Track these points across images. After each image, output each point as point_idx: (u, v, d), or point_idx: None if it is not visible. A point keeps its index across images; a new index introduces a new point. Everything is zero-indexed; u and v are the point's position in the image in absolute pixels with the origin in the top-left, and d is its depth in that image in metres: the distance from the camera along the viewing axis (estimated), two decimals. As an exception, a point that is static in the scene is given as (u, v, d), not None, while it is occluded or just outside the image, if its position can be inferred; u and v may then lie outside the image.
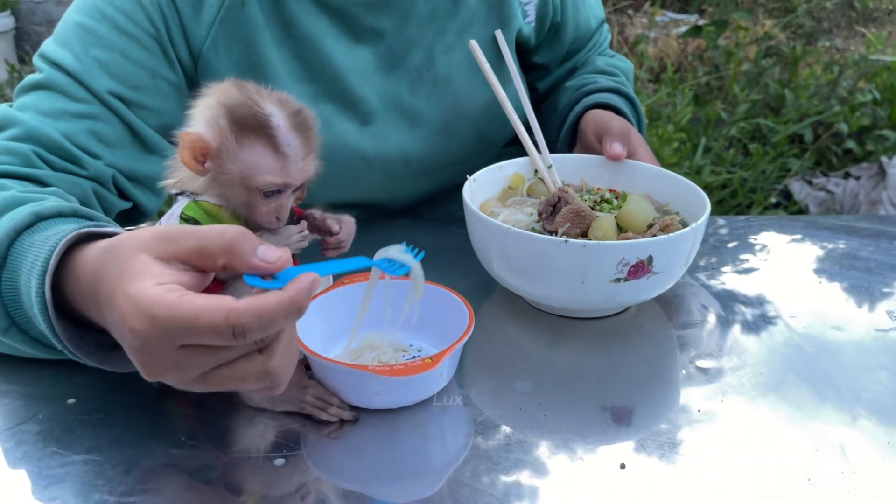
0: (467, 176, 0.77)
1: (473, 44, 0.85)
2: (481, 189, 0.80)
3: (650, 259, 0.65)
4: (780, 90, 3.01)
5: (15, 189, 0.63)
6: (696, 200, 0.75)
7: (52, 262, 0.51)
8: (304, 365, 0.62)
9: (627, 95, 0.95)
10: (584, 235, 0.70)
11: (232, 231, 0.45)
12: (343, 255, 0.67)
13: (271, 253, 0.45)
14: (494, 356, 0.68)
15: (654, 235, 0.70)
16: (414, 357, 0.65)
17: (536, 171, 0.82)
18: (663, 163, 2.54)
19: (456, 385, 0.64)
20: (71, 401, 0.61)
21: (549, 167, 0.82)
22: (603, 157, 0.83)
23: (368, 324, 0.68)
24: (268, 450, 0.56)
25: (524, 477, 0.54)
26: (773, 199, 2.66)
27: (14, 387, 0.63)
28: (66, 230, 0.53)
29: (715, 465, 0.55)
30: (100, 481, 0.53)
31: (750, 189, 2.68)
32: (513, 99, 0.87)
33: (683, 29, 3.51)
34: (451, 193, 0.96)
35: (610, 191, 0.80)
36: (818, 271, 0.84)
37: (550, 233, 0.71)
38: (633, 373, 0.67)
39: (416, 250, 0.57)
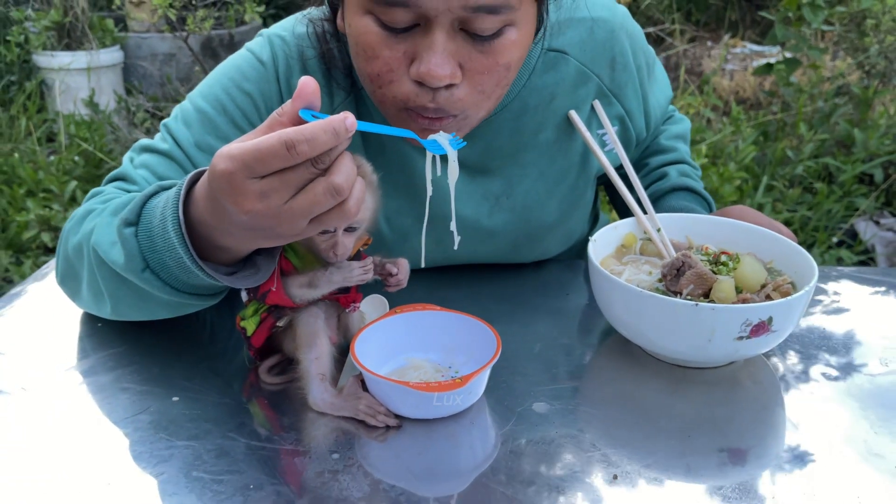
0: (589, 237, 0.86)
1: (573, 114, 0.94)
2: (600, 248, 0.88)
3: (770, 319, 0.73)
4: (850, 129, 3.00)
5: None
6: (799, 260, 0.83)
7: (183, 191, 0.69)
8: (360, 380, 0.75)
9: (697, 192, 1.06)
10: (706, 295, 0.78)
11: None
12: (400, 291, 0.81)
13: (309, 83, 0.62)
14: (620, 403, 0.77)
15: (769, 296, 0.78)
16: (452, 377, 0.78)
17: (646, 231, 0.92)
18: (723, 201, 2.59)
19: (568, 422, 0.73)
20: (175, 398, 0.76)
21: (659, 230, 0.90)
22: (707, 217, 0.92)
23: (415, 348, 0.81)
24: (327, 446, 0.70)
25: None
26: (834, 239, 2.67)
27: (132, 385, 0.78)
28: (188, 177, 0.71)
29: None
30: (197, 462, 0.67)
31: (813, 228, 2.70)
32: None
33: (762, 62, 3.52)
34: None
35: (724, 252, 0.86)
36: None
37: (674, 293, 0.79)
38: (751, 423, 0.74)
39: (459, 139, 0.73)
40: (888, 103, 3.27)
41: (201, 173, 0.69)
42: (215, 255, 0.72)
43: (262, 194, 0.60)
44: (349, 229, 0.72)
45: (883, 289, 1.01)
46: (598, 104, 0.97)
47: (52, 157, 3.09)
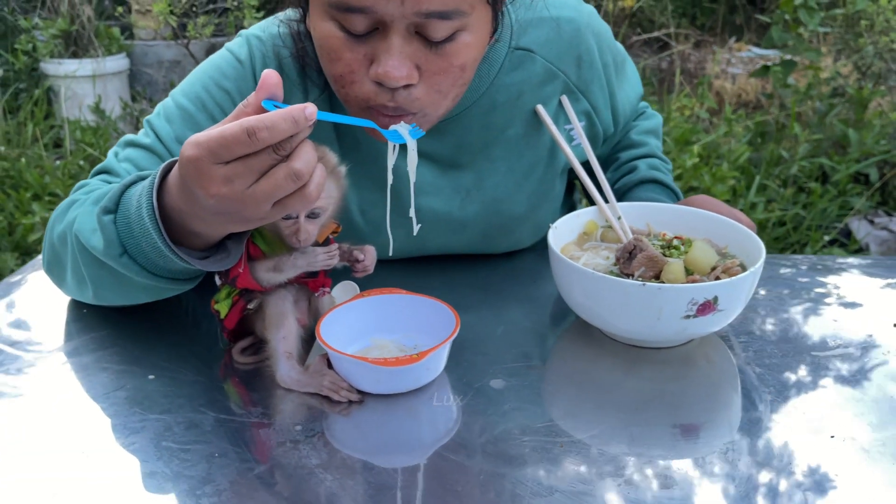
0: (549, 224, 0.90)
1: (540, 108, 0.98)
2: (561, 235, 0.91)
3: (716, 299, 0.77)
4: (845, 129, 3.02)
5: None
6: (751, 245, 0.86)
7: (157, 180, 0.73)
8: (326, 359, 0.79)
9: (665, 184, 1.10)
10: (657, 277, 0.81)
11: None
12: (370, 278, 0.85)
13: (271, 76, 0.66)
14: (574, 379, 0.81)
15: (718, 277, 0.81)
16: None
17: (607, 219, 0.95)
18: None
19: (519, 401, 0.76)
20: (150, 377, 0.80)
21: (619, 218, 0.94)
22: (667, 206, 0.96)
23: (380, 329, 0.85)
24: (291, 419, 0.74)
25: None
26: (827, 238, 2.69)
27: (110, 365, 0.83)
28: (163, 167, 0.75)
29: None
30: (167, 433, 0.71)
31: (807, 227, 2.71)
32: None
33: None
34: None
35: (677, 237, 0.89)
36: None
37: (627, 275, 0.83)
38: (701, 395, 0.78)
39: (419, 129, 0.77)
40: (884, 103, 3.28)
41: (174, 163, 0.73)
42: (188, 240, 0.76)
43: (226, 179, 0.65)
44: (312, 216, 0.76)
45: (846, 272, 1.04)
46: (565, 100, 1.01)
47: (58, 162, 3.16)
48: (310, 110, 0.64)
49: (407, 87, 0.78)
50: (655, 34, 4.92)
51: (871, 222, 2.76)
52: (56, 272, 0.90)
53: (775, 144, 2.97)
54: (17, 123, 3.48)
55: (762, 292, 0.99)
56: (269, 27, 0.95)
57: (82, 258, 0.82)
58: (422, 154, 0.97)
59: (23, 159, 3.07)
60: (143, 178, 0.79)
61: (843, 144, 3.10)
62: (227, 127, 0.63)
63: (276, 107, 0.65)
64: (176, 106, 0.93)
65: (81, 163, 3.05)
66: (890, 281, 1.03)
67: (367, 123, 0.75)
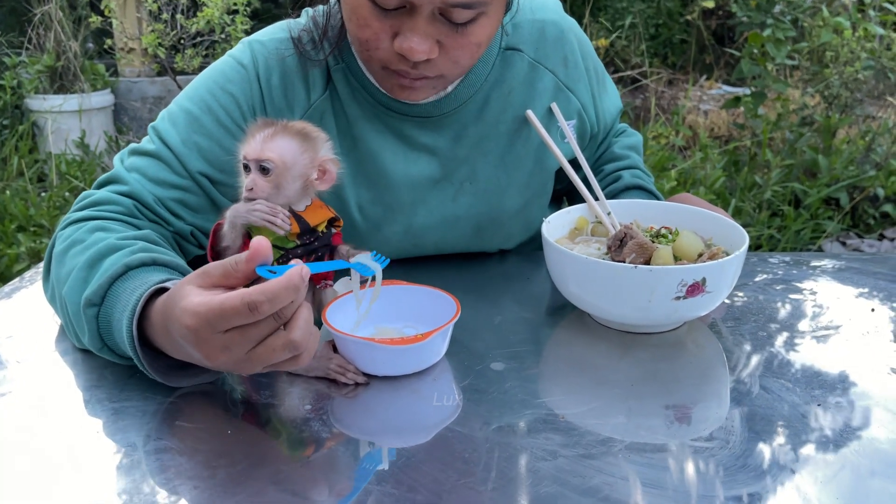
0: (543, 218, 0.94)
1: (530, 113, 1.03)
2: (553, 230, 0.95)
3: (704, 280, 0.81)
4: (815, 156, 3.13)
5: (115, 234, 0.85)
6: (734, 235, 0.90)
7: (137, 313, 0.73)
8: (332, 345, 0.82)
9: (650, 190, 1.15)
10: (647, 264, 0.85)
11: (244, 254, 0.66)
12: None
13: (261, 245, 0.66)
14: (571, 362, 0.84)
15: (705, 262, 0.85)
16: (417, 344, 0.84)
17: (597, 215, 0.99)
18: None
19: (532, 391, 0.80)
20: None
21: (609, 214, 0.98)
22: (654, 203, 1.00)
23: (384, 319, 0.87)
24: (300, 401, 0.76)
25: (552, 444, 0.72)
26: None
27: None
28: (149, 282, 0.75)
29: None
30: (179, 414, 0.73)
31: (781, 249, 2.79)
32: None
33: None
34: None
35: (664, 228, 0.94)
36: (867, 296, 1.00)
37: (619, 262, 0.85)
38: (693, 373, 0.81)
39: (382, 258, 0.77)
40: (850, 131, 3.41)
41: (158, 291, 0.74)
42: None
43: (224, 347, 0.65)
44: (263, 170, 0.76)
45: (825, 265, 1.09)
46: (555, 107, 1.06)
47: (43, 194, 3.17)
48: (305, 271, 0.64)
49: (427, 60, 0.85)
50: (629, 73, 5.06)
51: (844, 244, 2.84)
52: (48, 298, 0.90)
53: (749, 171, 3.06)
54: (1, 159, 3.48)
55: (746, 283, 1.03)
56: (275, 32, 0.99)
57: (63, 317, 0.83)
58: (422, 147, 1.01)
59: (7, 192, 3.07)
60: (131, 267, 0.78)
61: (814, 171, 3.21)
62: (227, 298, 0.63)
63: (270, 272, 0.66)
64: (181, 110, 0.96)
65: (67, 194, 3.06)
66: (869, 270, 1.08)
67: (344, 265, 0.75)
